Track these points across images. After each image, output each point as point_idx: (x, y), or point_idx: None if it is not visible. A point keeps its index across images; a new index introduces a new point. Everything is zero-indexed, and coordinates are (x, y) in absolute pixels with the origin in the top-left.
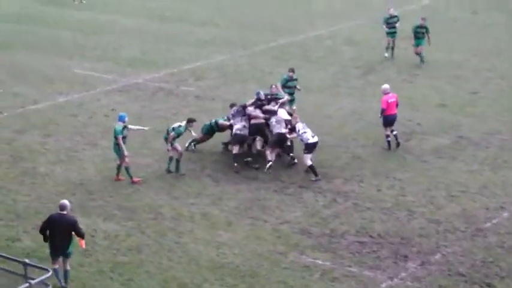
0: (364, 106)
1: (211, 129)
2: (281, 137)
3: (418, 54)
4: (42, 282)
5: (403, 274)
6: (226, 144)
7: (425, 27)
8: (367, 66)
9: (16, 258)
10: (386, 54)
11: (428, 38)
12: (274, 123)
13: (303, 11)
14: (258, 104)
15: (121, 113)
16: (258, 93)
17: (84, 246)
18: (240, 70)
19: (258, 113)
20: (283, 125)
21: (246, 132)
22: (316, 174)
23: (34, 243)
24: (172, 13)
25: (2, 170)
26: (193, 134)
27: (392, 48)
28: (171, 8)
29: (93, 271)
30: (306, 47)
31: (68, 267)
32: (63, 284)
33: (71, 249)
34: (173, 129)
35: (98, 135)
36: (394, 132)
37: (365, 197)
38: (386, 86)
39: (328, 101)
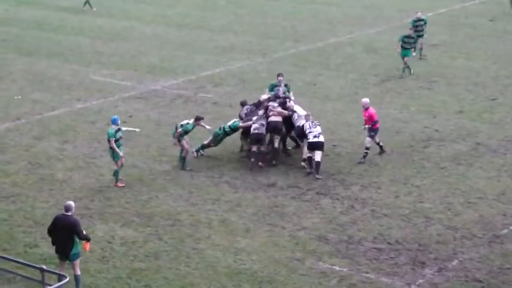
0: (382, 113)
1: (224, 136)
2: (300, 131)
3: (405, 64)
4: None
5: (421, 280)
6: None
7: (413, 38)
8: (385, 74)
9: (33, 265)
10: (402, 75)
11: (414, 48)
12: (296, 117)
13: (322, 18)
14: (279, 101)
15: (114, 116)
16: (277, 91)
17: (88, 249)
18: (258, 77)
19: (280, 109)
20: (303, 118)
21: (263, 130)
22: (311, 167)
23: (52, 249)
24: (191, 20)
25: (20, 177)
26: (207, 127)
27: (421, 49)
28: (190, 15)
29: (111, 277)
30: (325, 54)
31: (78, 272)
32: (62, 273)
33: (75, 251)
34: (181, 125)
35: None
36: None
37: (382, 204)
38: (366, 99)
39: (347, 108)
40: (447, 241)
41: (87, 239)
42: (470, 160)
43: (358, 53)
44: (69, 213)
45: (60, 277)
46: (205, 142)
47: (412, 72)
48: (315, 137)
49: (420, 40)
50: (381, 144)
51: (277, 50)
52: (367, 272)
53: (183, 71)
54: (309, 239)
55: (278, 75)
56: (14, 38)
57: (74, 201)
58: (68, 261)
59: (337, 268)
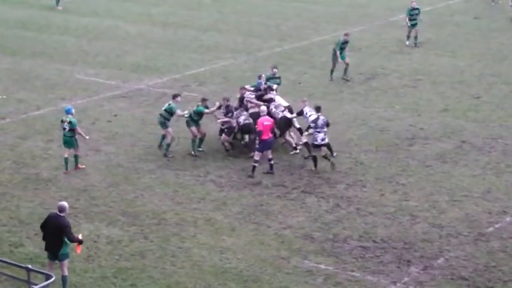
0: (367, 112)
1: (190, 120)
2: (286, 120)
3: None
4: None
5: (406, 279)
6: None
7: (418, 9)
8: (370, 72)
9: (19, 264)
10: (407, 43)
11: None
12: (274, 109)
13: (307, 16)
14: (258, 94)
15: (68, 106)
16: (259, 84)
17: (79, 251)
18: (243, 76)
19: (255, 100)
20: (281, 108)
21: (251, 120)
22: (309, 152)
23: (37, 249)
24: (175, 19)
25: (5, 176)
26: (183, 112)
27: (416, 37)
28: (174, 14)
29: (96, 276)
30: (310, 52)
31: (66, 273)
32: (47, 272)
33: (63, 251)
34: (165, 110)
35: (101, 141)
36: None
37: (368, 202)
38: (264, 107)
39: (332, 106)
40: (433, 239)
41: (78, 242)
42: (455, 158)
43: None
44: (62, 214)
45: (47, 276)
46: (192, 136)
47: (417, 43)
48: (323, 139)
49: (415, 28)
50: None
51: (261, 49)
52: (352, 271)
53: (168, 70)
54: (295, 237)
55: (272, 67)
56: None
57: (59, 200)
58: (56, 261)
59: (323, 266)
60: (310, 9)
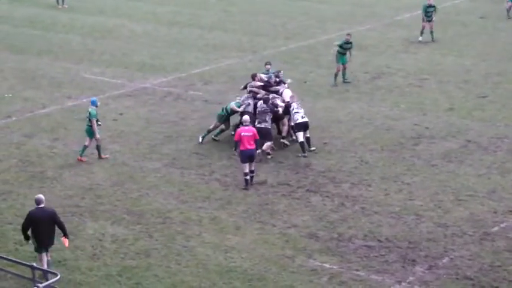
0: (372, 111)
1: (226, 116)
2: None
3: (338, 72)
4: (50, 286)
5: (411, 278)
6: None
7: (434, 6)
8: (375, 71)
9: (24, 262)
10: (420, 39)
11: (350, 54)
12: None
13: (313, 15)
14: (266, 85)
15: (93, 98)
16: (270, 77)
17: (67, 245)
18: (248, 74)
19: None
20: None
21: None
22: (303, 151)
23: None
24: (181, 18)
25: (11, 174)
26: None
27: (432, 32)
28: (180, 13)
29: (101, 275)
30: (316, 51)
31: (49, 258)
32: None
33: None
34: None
35: (106, 139)
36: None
37: (373, 201)
38: (246, 117)
39: (337, 105)
40: (438, 239)
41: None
42: (460, 157)
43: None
44: (42, 205)
45: (51, 275)
46: (211, 127)
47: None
48: (302, 117)
49: (431, 23)
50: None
51: (267, 48)
52: (357, 270)
53: (173, 69)
54: (299, 236)
55: (266, 63)
56: (5, 35)
57: (65, 199)
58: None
59: (328, 266)
60: (316, 8)
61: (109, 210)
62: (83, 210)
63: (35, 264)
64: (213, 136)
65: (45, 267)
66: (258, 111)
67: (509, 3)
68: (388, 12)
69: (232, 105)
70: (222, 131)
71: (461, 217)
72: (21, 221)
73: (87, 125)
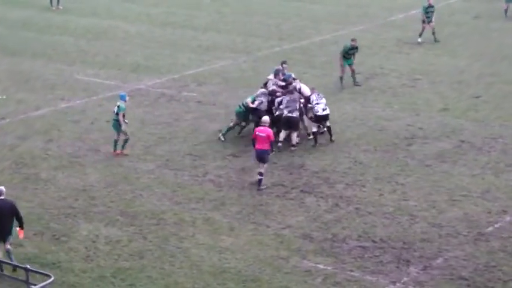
0: (366, 111)
1: (245, 112)
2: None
3: (343, 75)
4: None
5: (405, 279)
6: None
7: (433, 7)
8: (369, 72)
9: (18, 264)
10: (419, 40)
11: (354, 58)
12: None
13: (307, 16)
14: (282, 85)
15: (122, 93)
16: (289, 76)
17: (22, 236)
18: (242, 75)
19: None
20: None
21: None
22: (316, 142)
23: (36, 248)
24: (175, 19)
25: (4, 176)
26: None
27: (433, 33)
28: (174, 14)
29: (95, 276)
30: (310, 52)
31: (9, 246)
32: (14, 262)
33: (11, 230)
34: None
35: (100, 140)
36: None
37: (367, 202)
38: (267, 118)
39: (331, 106)
40: (432, 239)
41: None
42: (454, 158)
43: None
44: (2, 197)
45: (45, 277)
46: (231, 124)
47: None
48: (323, 109)
49: (431, 23)
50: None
51: (261, 49)
52: (351, 270)
53: (167, 70)
54: (294, 237)
55: (282, 62)
56: None
57: (58, 200)
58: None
59: (322, 266)
60: (310, 9)
61: (103, 212)
62: (76, 212)
63: (28, 266)
64: (223, 134)
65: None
66: (288, 100)
67: (506, 4)
68: (382, 13)
69: (248, 100)
70: (242, 127)
71: (455, 217)
72: (15, 222)
73: (114, 119)
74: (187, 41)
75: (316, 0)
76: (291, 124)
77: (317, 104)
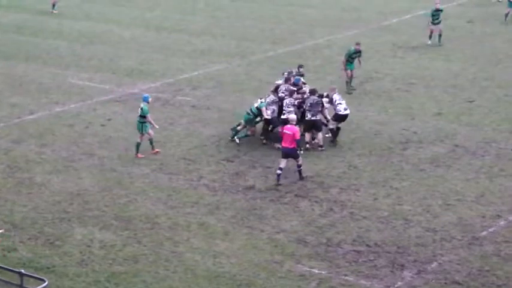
0: (360, 115)
1: (254, 117)
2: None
3: (350, 78)
4: None
5: (400, 283)
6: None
7: (441, 10)
8: (364, 76)
9: (12, 269)
10: (429, 42)
11: (360, 62)
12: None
13: (300, 20)
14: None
15: (145, 95)
16: (297, 80)
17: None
18: (236, 79)
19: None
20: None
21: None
22: (335, 137)
23: (30, 253)
24: (169, 23)
25: None
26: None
27: (440, 35)
28: (168, 19)
29: (90, 281)
30: (304, 56)
31: None
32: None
33: None
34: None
35: (94, 145)
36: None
37: (361, 206)
38: (293, 116)
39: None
40: (426, 243)
41: None
42: (448, 162)
43: (336, 55)
44: None
45: (40, 281)
46: (239, 127)
47: (355, 88)
48: (345, 109)
49: (438, 26)
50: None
51: (255, 53)
52: (346, 275)
53: (162, 74)
54: (288, 241)
55: (298, 66)
56: None
57: (53, 204)
58: None
59: (316, 271)
60: (303, 13)
61: (97, 216)
62: (71, 216)
63: (23, 270)
64: (236, 137)
65: None
66: (311, 103)
67: (509, 9)
68: (376, 17)
69: (262, 107)
70: (236, 132)
71: (449, 222)
72: (9, 227)
73: (138, 121)
74: (182, 45)
75: (310, 4)
76: (315, 127)
77: (339, 103)
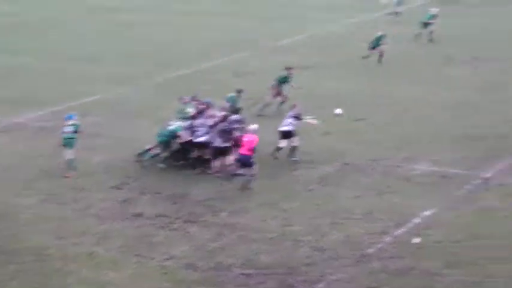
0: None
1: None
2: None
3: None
4: None
5: None
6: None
7: (436, 15)
8: (256, 98)
9: None
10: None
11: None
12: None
13: (191, 44)
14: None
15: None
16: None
17: None
18: (127, 105)
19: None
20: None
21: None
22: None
23: None
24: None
25: None
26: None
27: (431, 32)
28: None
29: None
30: (195, 80)
31: None
32: None
33: None
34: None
35: None
36: None
37: (250, 228)
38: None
39: None
40: (315, 263)
41: None
42: (337, 180)
43: (227, 79)
44: None
45: None
46: (156, 151)
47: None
48: (283, 126)
49: (430, 28)
50: None
51: (141, 77)
52: None
53: (48, 102)
54: (178, 268)
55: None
56: None
57: None
58: None
59: None
60: (196, 37)
61: None
62: None
63: None
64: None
65: None
66: (221, 129)
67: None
68: (266, 40)
69: (181, 133)
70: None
71: (337, 240)
72: None
73: (66, 138)
74: (71, 72)
75: (206, 26)
76: (223, 153)
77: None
